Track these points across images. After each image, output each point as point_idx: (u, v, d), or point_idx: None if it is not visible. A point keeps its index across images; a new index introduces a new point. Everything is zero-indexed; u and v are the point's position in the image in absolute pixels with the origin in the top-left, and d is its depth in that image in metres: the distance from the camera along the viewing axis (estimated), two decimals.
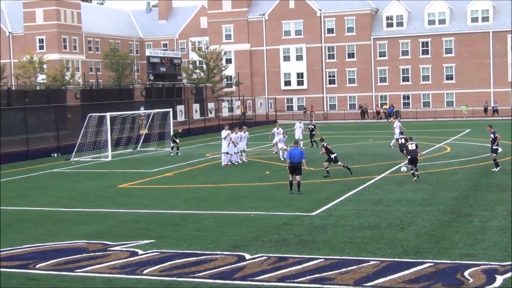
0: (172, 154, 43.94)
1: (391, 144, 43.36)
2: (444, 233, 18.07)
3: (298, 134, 44.80)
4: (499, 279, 13.62)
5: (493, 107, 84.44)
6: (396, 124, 44.48)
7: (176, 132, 45.26)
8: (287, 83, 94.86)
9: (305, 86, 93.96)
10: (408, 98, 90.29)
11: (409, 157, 28.79)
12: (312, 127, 47.50)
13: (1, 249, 17.69)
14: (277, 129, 40.89)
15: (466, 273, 14.10)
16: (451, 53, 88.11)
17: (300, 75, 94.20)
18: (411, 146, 28.90)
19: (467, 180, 28.47)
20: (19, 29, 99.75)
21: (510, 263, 14.81)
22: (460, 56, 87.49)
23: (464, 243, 16.80)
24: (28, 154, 44.66)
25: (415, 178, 28.33)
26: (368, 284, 13.62)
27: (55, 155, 46.03)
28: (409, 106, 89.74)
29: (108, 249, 17.40)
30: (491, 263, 14.87)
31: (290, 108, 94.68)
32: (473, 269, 14.42)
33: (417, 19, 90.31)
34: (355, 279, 13.94)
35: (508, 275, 13.90)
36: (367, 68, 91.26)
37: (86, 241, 18.38)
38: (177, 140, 44.66)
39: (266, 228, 19.41)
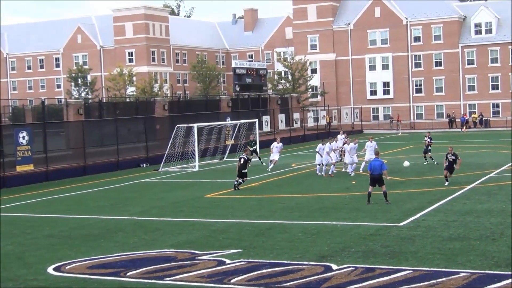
0: (264, 163, 43.59)
1: None
2: None
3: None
4: None
5: None
6: None
7: (250, 141, 45.77)
8: (373, 92, 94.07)
9: (391, 95, 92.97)
10: (497, 106, 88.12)
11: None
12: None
13: (94, 257, 18.22)
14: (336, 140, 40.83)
15: None
16: None
17: (386, 84, 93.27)
18: (451, 158, 30.55)
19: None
20: (110, 42, 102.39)
21: None
22: None
23: None
24: (119, 164, 45.80)
25: (447, 183, 30.36)
26: None
27: (144, 165, 47.00)
28: (498, 115, 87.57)
29: (196, 258, 17.65)
30: None
31: (376, 117, 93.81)
32: None
33: (506, 26, 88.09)
34: None
35: None
36: (455, 76, 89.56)
37: (175, 250, 18.71)
38: (255, 148, 44.91)
39: (353, 239, 19.31)
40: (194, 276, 15.78)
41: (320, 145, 37.16)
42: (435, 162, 40.13)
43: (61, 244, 20.36)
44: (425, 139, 41.04)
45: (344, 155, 38.58)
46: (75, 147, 44.55)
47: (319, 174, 36.80)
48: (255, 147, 45.24)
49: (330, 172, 36.13)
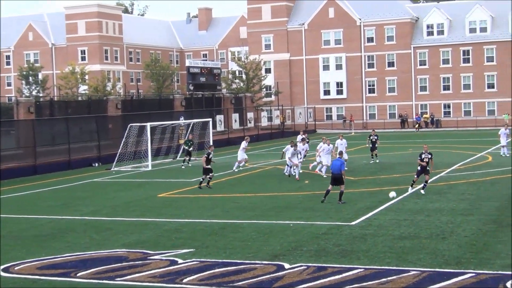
0: (183, 167, 42.85)
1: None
2: (486, 243, 17.86)
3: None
4: None
5: None
6: (502, 132, 43.08)
7: (188, 140, 44.24)
8: (327, 92, 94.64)
9: (344, 95, 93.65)
10: (449, 107, 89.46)
11: (418, 168, 27.61)
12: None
13: (44, 258, 17.96)
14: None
15: (508, 284, 13.93)
16: (493, 61, 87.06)
17: (339, 84, 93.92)
18: (426, 158, 27.41)
19: (509, 189, 28.04)
20: (62, 40, 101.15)
21: None
22: (502, 65, 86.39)
23: (506, 253, 16.57)
24: (70, 164, 45.26)
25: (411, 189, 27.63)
26: None
27: (96, 164, 46.54)
28: (450, 115, 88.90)
29: (148, 258, 17.54)
30: None
31: (329, 117, 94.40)
32: None
33: (458, 28, 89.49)
34: None
35: None
36: (407, 77, 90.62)
37: (127, 250, 18.55)
38: (190, 149, 43.33)
39: (305, 238, 19.38)
40: (145, 276, 15.66)
41: (288, 146, 35.44)
42: (377, 161, 40.74)
43: (11, 244, 20.01)
44: (371, 137, 41.52)
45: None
46: (25, 146, 43.89)
47: (286, 174, 36.07)
48: (191, 148, 43.56)
49: (294, 174, 34.70)
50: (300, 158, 36.65)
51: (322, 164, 35.49)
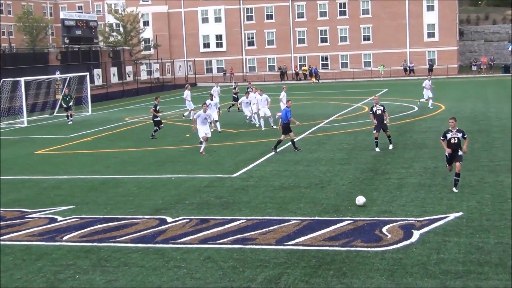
0: (70, 122, 41.23)
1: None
2: (362, 191, 18.38)
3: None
4: (416, 234, 13.99)
5: (409, 67, 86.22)
6: (426, 83, 42.23)
7: (65, 95, 41.93)
8: (206, 45, 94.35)
9: (224, 48, 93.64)
10: (326, 59, 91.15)
11: (375, 122, 25.58)
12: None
13: None
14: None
15: (384, 229, 14.43)
16: (368, 14, 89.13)
17: (219, 37, 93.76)
18: (378, 110, 25.53)
19: (384, 138, 28.91)
20: None
21: (426, 218, 15.22)
22: (377, 17, 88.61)
23: (382, 200, 17.16)
24: None
25: (377, 148, 25.40)
26: (289, 242, 13.78)
27: None
28: (327, 67, 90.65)
29: (26, 216, 17.08)
30: (408, 218, 15.26)
31: (209, 70, 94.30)
32: (391, 225, 14.78)
33: None
34: (277, 239, 14.09)
35: (425, 230, 14.29)
36: (285, 29, 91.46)
37: (3, 209, 17.98)
38: (70, 104, 41.51)
39: (187, 191, 19.37)
40: (24, 235, 15.25)
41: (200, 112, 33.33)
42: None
43: None
44: (248, 90, 41.50)
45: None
46: None
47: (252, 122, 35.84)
48: (71, 103, 41.82)
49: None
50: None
51: (266, 115, 34.22)
